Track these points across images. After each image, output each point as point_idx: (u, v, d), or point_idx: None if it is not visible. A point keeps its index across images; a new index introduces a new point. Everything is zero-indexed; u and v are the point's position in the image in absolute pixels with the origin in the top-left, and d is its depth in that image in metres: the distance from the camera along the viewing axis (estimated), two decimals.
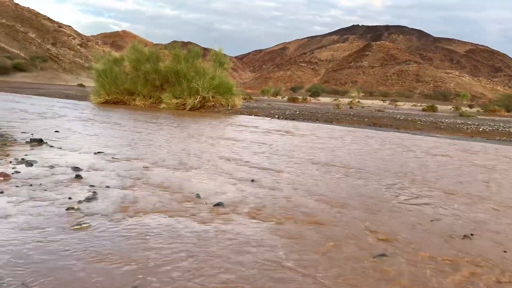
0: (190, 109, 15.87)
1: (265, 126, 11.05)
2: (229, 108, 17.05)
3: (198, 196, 3.61)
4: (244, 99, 23.58)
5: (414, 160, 6.47)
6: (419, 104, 43.01)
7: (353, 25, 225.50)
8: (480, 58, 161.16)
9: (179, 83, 16.42)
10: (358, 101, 40.44)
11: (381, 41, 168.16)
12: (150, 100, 17.05)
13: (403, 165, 5.94)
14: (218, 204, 3.37)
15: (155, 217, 2.99)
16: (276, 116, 15.07)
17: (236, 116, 14.46)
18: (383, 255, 2.54)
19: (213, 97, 16.59)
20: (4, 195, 3.27)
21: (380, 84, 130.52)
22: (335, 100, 46.60)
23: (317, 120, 14.39)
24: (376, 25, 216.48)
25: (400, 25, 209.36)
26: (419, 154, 7.17)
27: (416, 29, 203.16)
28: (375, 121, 14.65)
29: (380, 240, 2.82)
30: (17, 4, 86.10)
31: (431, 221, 3.32)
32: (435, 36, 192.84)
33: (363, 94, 79.91)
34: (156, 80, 17.14)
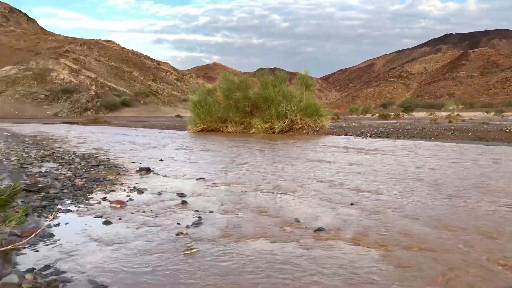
0: (279, 133, 16.13)
1: (358, 145, 10.71)
2: (318, 129, 16.95)
3: (297, 220, 3.58)
4: (332, 119, 23.24)
5: None
6: None
7: (446, 34, 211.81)
8: None
9: (267, 108, 16.86)
10: (458, 114, 37.25)
11: (480, 48, 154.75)
12: (241, 126, 17.74)
13: None
14: (319, 229, 3.30)
15: (258, 242, 3.03)
16: (368, 134, 14.56)
17: (326, 136, 14.28)
18: None
19: (301, 119, 16.69)
20: (122, 221, 3.60)
21: (481, 95, 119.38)
22: (431, 114, 43.60)
23: (413, 136, 13.56)
24: (472, 32, 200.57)
25: (501, 29, 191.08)
26: None
27: None
28: (481, 135, 13.32)
29: (508, 268, 2.50)
30: (123, 48, 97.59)
31: None
32: None
33: (462, 106, 73.68)
34: (246, 107, 17.82)
